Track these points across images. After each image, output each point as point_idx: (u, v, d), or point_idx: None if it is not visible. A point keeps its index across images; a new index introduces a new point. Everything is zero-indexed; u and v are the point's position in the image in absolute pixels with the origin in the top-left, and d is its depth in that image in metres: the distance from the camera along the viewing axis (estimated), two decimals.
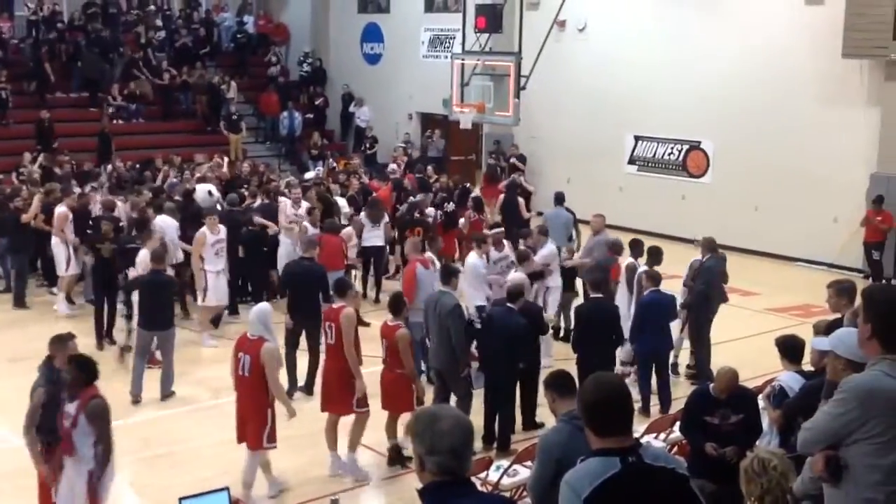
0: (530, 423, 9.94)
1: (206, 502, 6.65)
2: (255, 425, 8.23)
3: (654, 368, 10.62)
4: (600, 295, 10.35)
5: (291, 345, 10.93)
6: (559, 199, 15.63)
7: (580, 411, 3.96)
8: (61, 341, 7.51)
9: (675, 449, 8.39)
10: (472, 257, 12.08)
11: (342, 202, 16.24)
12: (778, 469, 4.79)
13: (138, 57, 25.76)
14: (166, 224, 13.57)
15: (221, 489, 6.87)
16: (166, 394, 10.83)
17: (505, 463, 8.06)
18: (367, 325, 11.38)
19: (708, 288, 11.37)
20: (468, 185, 18.69)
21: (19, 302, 14.67)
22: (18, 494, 7.59)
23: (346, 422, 9.03)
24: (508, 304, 9.63)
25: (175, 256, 13.41)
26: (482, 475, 7.71)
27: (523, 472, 7.81)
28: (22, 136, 22.33)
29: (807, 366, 7.43)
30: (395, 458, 9.11)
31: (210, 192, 15.63)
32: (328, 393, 8.97)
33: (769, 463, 4.79)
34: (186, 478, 8.20)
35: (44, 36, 25.62)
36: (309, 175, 20.03)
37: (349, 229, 14.34)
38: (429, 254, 11.92)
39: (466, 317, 9.95)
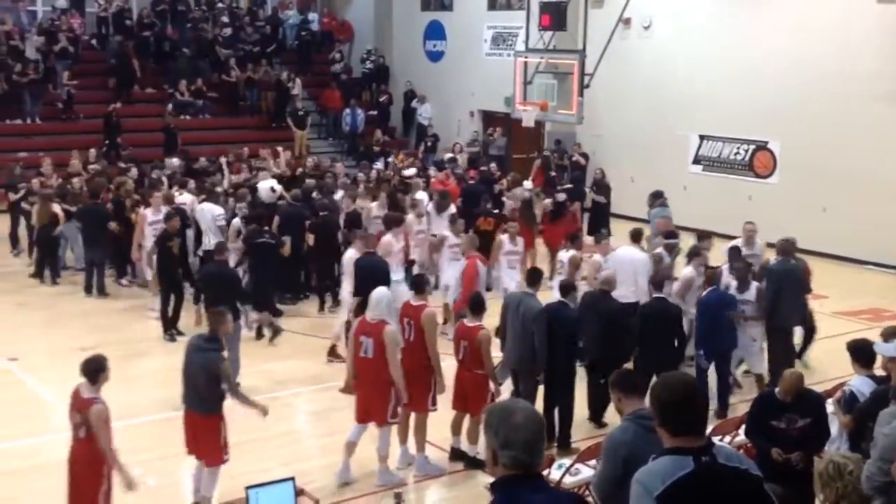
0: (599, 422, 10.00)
1: (272, 491, 6.73)
2: (380, 404, 8.50)
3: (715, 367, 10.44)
4: (662, 294, 10.23)
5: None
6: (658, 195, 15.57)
7: (653, 410, 3.93)
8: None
9: (741, 452, 8.26)
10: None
11: (422, 195, 16.21)
12: (854, 474, 4.70)
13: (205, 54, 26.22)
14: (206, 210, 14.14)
15: (287, 479, 6.95)
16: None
17: (567, 461, 8.00)
18: None
19: (778, 293, 11.02)
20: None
21: (89, 290, 14.98)
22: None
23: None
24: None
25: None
26: (544, 473, 7.67)
27: (586, 472, 7.75)
28: (88, 131, 22.81)
29: (879, 370, 7.27)
30: (457, 457, 9.14)
31: (272, 189, 15.77)
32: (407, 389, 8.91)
33: (845, 468, 4.70)
34: (251, 467, 8.27)
35: (111, 33, 26.19)
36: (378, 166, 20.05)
37: (410, 216, 14.24)
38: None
39: None
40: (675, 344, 9.91)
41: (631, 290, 11.20)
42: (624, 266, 11.45)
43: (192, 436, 7.97)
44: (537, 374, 9.32)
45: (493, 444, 3.53)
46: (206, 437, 7.88)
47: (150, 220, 13.99)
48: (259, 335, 12.74)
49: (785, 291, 10.94)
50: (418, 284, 9.34)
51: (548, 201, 16.53)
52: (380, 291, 8.77)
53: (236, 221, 13.93)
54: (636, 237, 12.31)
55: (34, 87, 23.27)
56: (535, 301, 9.38)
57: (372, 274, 10.91)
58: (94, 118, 23.39)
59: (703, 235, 12.30)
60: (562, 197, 16.69)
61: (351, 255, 11.87)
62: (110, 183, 16.31)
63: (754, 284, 10.72)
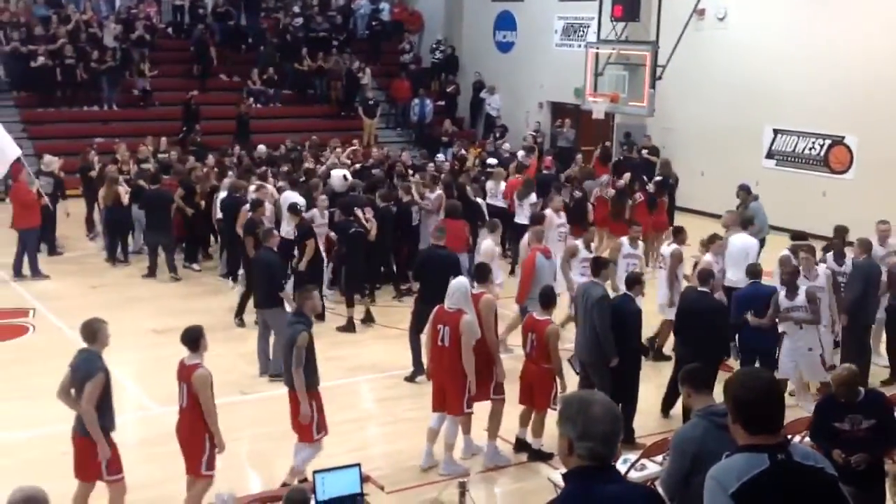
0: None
1: (339, 476, 6.81)
2: (455, 392, 8.56)
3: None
4: (706, 289, 9.99)
5: (416, 330, 10.91)
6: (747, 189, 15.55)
7: (729, 407, 3.86)
8: (308, 291, 8.41)
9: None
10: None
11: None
12: None
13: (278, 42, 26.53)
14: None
15: (353, 465, 7.02)
16: (271, 373, 10.69)
17: (632, 456, 7.93)
18: None
19: (865, 292, 10.81)
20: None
21: (152, 273, 15.27)
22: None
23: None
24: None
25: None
26: None
27: (652, 468, 7.66)
28: (164, 118, 23.24)
29: None
30: (522, 448, 9.14)
31: (345, 177, 15.88)
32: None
33: None
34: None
35: (188, 21, 26.65)
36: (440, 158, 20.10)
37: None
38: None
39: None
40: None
41: (740, 275, 11.03)
42: (736, 251, 11.76)
43: (292, 412, 8.16)
44: (606, 364, 9.19)
45: (569, 434, 3.51)
46: (298, 412, 8.06)
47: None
48: (350, 327, 12.73)
49: (870, 290, 10.85)
50: (481, 272, 9.34)
51: (610, 191, 16.47)
52: (458, 281, 8.88)
53: (314, 211, 13.88)
54: (746, 224, 12.65)
55: (111, 74, 23.77)
56: (597, 289, 9.31)
57: (436, 265, 10.98)
58: (170, 105, 23.85)
59: (799, 236, 12.39)
60: (652, 188, 16.78)
61: (488, 245, 12.12)
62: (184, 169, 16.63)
63: (803, 289, 10.23)
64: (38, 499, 5.13)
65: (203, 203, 15.64)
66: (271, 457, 8.80)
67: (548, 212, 13.96)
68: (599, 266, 9.68)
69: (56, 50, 23.35)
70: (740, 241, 12.06)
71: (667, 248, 12.18)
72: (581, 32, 24.38)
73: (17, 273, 14.97)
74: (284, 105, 25.91)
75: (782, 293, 10.16)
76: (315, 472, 6.85)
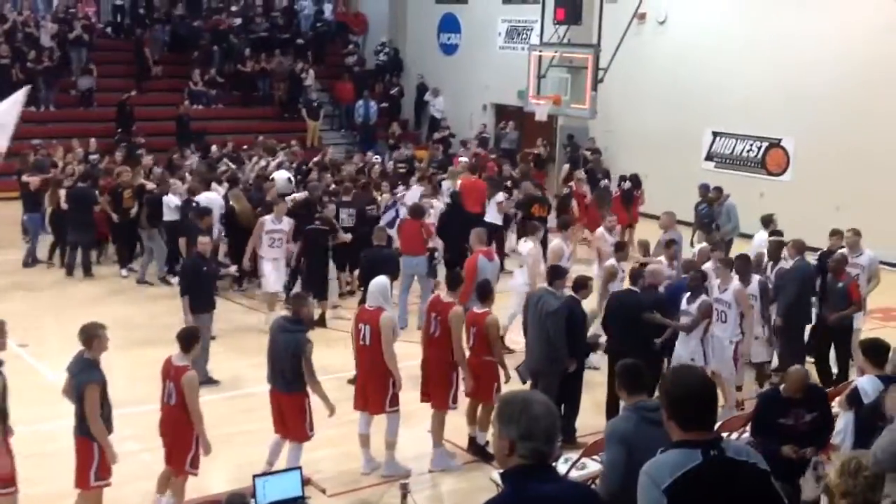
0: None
1: (280, 480, 6.76)
2: (376, 393, 8.62)
3: None
4: (636, 288, 10.10)
5: None
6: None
7: (662, 403, 3.91)
8: (304, 298, 8.71)
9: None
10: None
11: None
12: (868, 480, 4.63)
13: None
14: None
15: (294, 468, 6.98)
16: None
17: (573, 456, 7.99)
18: None
19: (800, 293, 10.98)
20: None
21: (70, 271, 15.35)
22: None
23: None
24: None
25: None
26: None
27: (592, 466, 7.73)
28: (102, 119, 22.88)
29: None
30: (474, 447, 9.19)
31: (290, 179, 15.80)
32: (427, 384, 9.03)
33: (863, 470, 4.64)
34: (258, 457, 8.27)
35: (127, 21, 26.28)
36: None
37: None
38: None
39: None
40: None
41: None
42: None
43: (278, 414, 8.22)
44: (563, 371, 9.22)
45: (511, 434, 3.48)
46: (291, 415, 8.10)
47: (269, 228, 13.06)
48: (321, 322, 12.66)
49: (805, 291, 11.05)
50: (454, 281, 9.34)
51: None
52: (378, 280, 8.90)
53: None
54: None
55: (48, 74, 23.32)
56: (553, 298, 9.28)
57: (376, 265, 11.02)
58: (109, 107, 23.47)
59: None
60: (627, 185, 17.62)
61: (529, 247, 12.29)
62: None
63: (702, 298, 10.00)
64: None
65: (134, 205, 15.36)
66: (209, 460, 8.70)
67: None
68: (557, 275, 9.66)
69: None
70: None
71: (607, 262, 12.05)
72: (524, 35, 24.54)
73: None
74: (227, 107, 25.66)
75: (686, 296, 10.09)
76: (255, 476, 6.79)
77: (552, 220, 16.00)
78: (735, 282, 10.22)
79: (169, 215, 14.72)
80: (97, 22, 26.24)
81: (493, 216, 15.74)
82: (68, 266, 15.39)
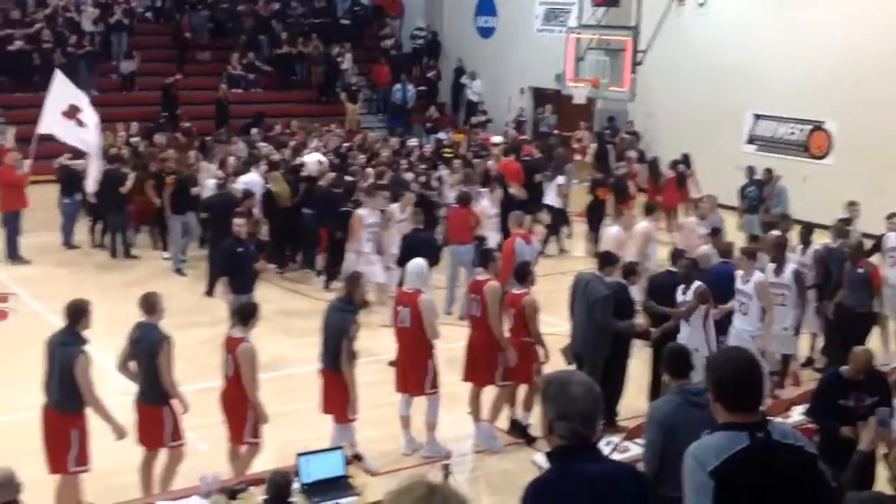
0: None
1: (323, 459, 6.83)
2: (416, 374, 8.67)
3: None
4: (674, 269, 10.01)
5: None
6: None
7: (709, 385, 3.90)
8: (357, 279, 8.58)
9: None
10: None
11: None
12: None
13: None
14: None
15: (337, 448, 7.04)
16: None
17: (615, 439, 7.99)
18: None
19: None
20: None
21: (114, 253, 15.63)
22: None
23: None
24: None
25: None
26: None
27: (634, 449, 7.70)
28: (145, 103, 23.08)
29: None
30: (516, 428, 9.24)
31: (319, 161, 15.86)
32: (472, 364, 9.07)
33: None
34: (299, 436, 8.37)
35: (167, 5, 26.47)
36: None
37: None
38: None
39: None
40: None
41: None
42: None
43: (326, 393, 8.35)
44: (603, 356, 9.19)
45: (550, 414, 3.56)
46: (336, 394, 8.22)
47: (368, 221, 12.67)
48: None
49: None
50: (485, 259, 9.35)
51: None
52: (415, 262, 8.95)
53: None
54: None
55: (90, 59, 23.57)
56: (601, 285, 9.19)
57: (414, 248, 11.09)
58: (149, 90, 23.68)
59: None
60: (681, 167, 17.58)
61: (615, 231, 12.19)
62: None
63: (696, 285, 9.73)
64: (8, 482, 5.16)
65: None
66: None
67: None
68: (608, 261, 9.56)
69: (33, 34, 23.13)
70: None
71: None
72: (562, 17, 24.36)
73: (13, 256, 15.02)
74: (265, 91, 25.80)
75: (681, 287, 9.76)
76: (299, 454, 6.87)
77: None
78: (757, 274, 9.83)
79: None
80: (137, 6, 26.43)
81: (552, 199, 15.83)
82: (111, 248, 15.59)
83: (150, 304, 7.65)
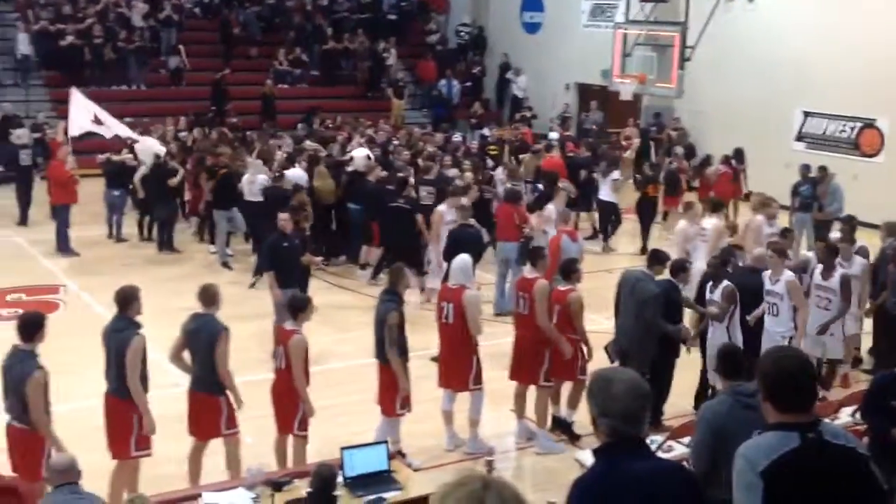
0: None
1: (366, 453, 6.85)
2: (459, 370, 8.66)
3: None
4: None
5: None
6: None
7: (760, 384, 3.85)
8: (401, 269, 8.68)
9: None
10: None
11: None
12: None
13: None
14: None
15: (381, 442, 7.06)
16: None
17: (659, 438, 7.92)
18: None
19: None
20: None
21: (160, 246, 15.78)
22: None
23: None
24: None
25: None
26: None
27: (679, 449, 7.64)
28: (193, 98, 23.32)
29: None
30: (559, 425, 9.20)
31: (368, 156, 15.91)
32: (518, 362, 9.03)
33: None
34: (343, 430, 8.41)
35: (215, 1, 26.73)
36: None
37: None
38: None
39: None
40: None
41: None
42: None
43: (378, 385, 8.43)
44: (649, 355, 9.11)
45: (593, 411, 3.57)
46: (383, 386, 8.32)
47: (447, 219, 12.56)
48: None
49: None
50: (534, 256, 9.30)
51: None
52: (460, 258, 8.94)
53: None
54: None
55: (139, 54, 23.87)
56: (650, 284, 9.11)
57: (460, 243, 11.11)
58: (198, 85, 23.93)
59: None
60: (735, 162, 17.61)
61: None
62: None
63: (839, 272, 9.83)
64: (69, 467, 5.27)
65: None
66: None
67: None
68: (657, 259, 9.43)
69: (84, 29, 23.48)
70: None
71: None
72: (609, 13, 24.20)
73: (63, 248, 15.24)
74: (311, 86, 25.95)
75: (709, 284, 9.58)
76: (343, 448, 6.90)
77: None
78: (787, 273, 9.46)
79: (250, 195, 14.93)
80: (186, 2, 26.71)
81: (607, 194, 15.85)
82: (159, 242, 15.79)
83: (209, 295, 7.75)
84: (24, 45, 23.18)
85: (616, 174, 16.20)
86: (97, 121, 15.46)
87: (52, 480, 5.36)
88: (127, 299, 7.43)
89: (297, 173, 14.96)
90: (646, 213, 16.26)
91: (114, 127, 15.89)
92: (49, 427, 6.92)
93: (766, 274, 9.55)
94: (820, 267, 10.14)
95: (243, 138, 18.29)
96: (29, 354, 6.93)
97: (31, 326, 7.00)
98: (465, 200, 12.90)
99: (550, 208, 13.06)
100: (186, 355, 7.80)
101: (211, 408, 7.63)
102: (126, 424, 7.33)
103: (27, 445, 6.88)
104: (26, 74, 23.07)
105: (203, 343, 7.60)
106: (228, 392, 7.64)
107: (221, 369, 7.54)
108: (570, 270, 9.17)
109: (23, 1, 24.46)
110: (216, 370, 7.54)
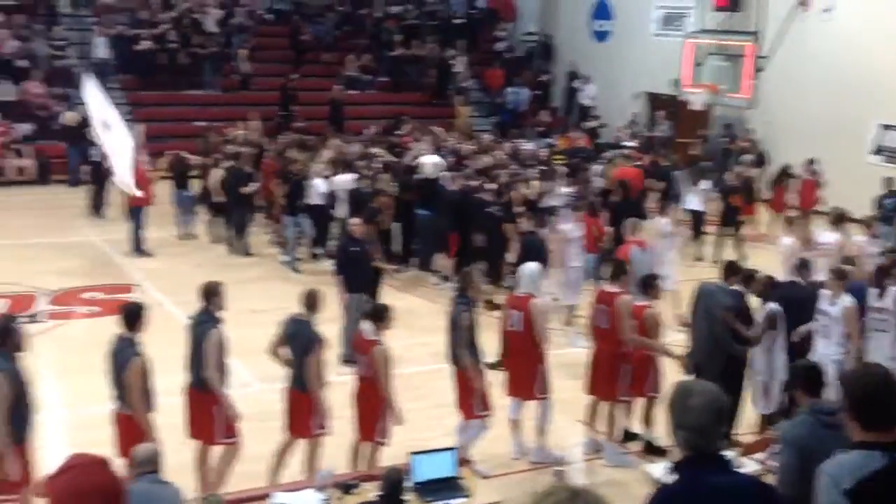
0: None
1: (435, 459, 6.87)
2: (527, 378, 8.67)
3: None
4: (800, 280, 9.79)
5: None
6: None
7: (844, 402, 3.79)
8: (472, 273, 8.93)
9: None
10: None
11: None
12: None
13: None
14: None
15: (450, 448, 7.08)
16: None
17: (731, 454, 7.80)
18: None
19: None
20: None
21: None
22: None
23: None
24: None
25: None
26: None
27: (751, 466, 7.53)
28: (263, 103, 23.64)
29: None
30: (629, 440, 9.16)
31: (436, 164, 15.96)
32: (596, 376, 8.93)
33: None
34: (411, 435, 8.41)
35: (286, 8, 27.13)
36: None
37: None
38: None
39: None
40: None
41: None
42: None
43: (455, 390, 8.48)
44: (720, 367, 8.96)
45: (671, 423, 3.60)
46: (460, 390, 8.38)
47: (574, 236, 12.35)
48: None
49: None
50: (616, 271, 9.19)
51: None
52: (528, 266, 8.95)
53: None
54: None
55: (213, 59, 24.31)
56: (725, 296, 9.01)
57: (527, 251, 11.20)
58: (268, 90, 24.27)
59: None
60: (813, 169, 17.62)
61: (787, 242, 11.86)
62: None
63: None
64: (150, 458, 5.41)
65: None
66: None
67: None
68: (732, 271, 9.28)
69: (159, 35, 23.98)
70: None
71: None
72: (679, 22, 23.96)
73: (137, 249, 15.56)
74: (378, 92, 26.14)
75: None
76: (412, 453, 6.94)
77: None
78: (846, 298, 9.06)
79: (315, 199, 15.08)
80: (258, 8, 27.14)
81: (696, 203, 15.89)
82: (233, 245, 15.98)
83: (311, 300, 7.90)
84: (101, 49, 23.75)
85: (706, 184, 16.16)
86: (104, 125, 14.72)
87: (135, 469, 5.51)
88: (209, 293, 7.71)
89: (345, 178, 15.02)
90: (728, 223, 16.14)
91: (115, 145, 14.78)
92: (144, 413, 7.15)
93: (824, 293, 9.25)
94: (874, 290, 9.66)
95: (304, 143, 18.48)
96: (129, 342, 7.23)
97: (132, 316, 7.30)
98: None
99: (662, 223, 12.98)
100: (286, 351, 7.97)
101: (308, 407, 7.76)
102: (208, 415, 7.57)
103: (133, 432, 7.03)
104: (104, 78, 23.56)
105: (298, 348, 7.77)
106: (317, 396, 7.74)
107: (311, 379, 7.66)
108: (649, 285, 9.05)
109: (100, 6, 25.08)
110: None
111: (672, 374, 8.67)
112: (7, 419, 6.64)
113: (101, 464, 2.87)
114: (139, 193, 14.96)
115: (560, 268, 12.16)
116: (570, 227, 12.48)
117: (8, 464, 6.69)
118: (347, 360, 10.05)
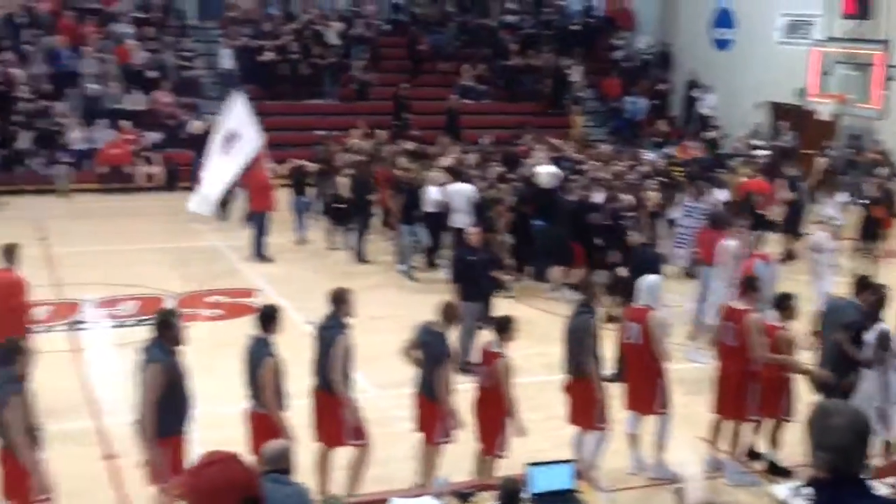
0: None
1: (552, 471, 6.82)
2: (646, 392, 8.57)
3: None
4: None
5: None
6: None
7: None
8: (593, 283, 9.10)
9: None
10: None
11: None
12: None
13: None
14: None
15: (568, 461, 7.02)
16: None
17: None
18: None
19: None
20: None
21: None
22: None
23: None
24: None
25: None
26: None
27: (884, 490, 7.21)
28: (379, 112, 23.98)
29: None
30: (754, 459, 8.92)
31: (551, 174, 15.88)
32: (723, 395, 8.66)
33: None
34: (527, 447, 8.38)
35: (404, 19, 27.49)
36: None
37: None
38: None
39: None
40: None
41: None
42: None
43: (568, 401, 8.45)
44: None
45: (810, 443, 3.45)
46: (577, 400, 8.32)
47: (738, 252, 11.69)
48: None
49: None
50: (747, 286, 8.93)
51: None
52: (648, 278, 8.83)
53: None
54: None
55: (333, 69, 24.81)
56: (851, 311, 8.71)
57: (641, 263, 10.94)
58: (386, 100, 24.61)
59: None
60: None
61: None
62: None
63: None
64: (280, 455, 5.53)
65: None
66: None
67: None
68: (863, 286, 8.90)
69: (281, 46, 24.62)
70: None
71: None
72: (804, 30, 23.26)
73: (258, 254, 15.94)
74: (494, 101, 26.20)
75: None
76: (528, 464, 6.90)
77: None
78: None
79: (430, 207, 15.17)
80: (377, 20, 27.57)
81: (835, 214, 15.41)
82: (353, 251, 16.19)
83: (450, 313, 8.02)
84: (226, 60, 24.55)
85: (842, 196, 15.74)
86: (230, 139, 15.23)
87: (263, 467, 5.59)
88: (337, 300, 7.91)
89: (462, 188, 15.04)
90: (868, 235, 15.66)
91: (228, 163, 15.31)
92: (278, 412, 7.37)
93: None
94: None
95: (417, 152, 18.66)
96: (264, 342, 7.50)
97: (268, 318, 7.61)
98: None
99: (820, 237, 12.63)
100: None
101: (437, 414, 7.85)
102: (335, 417, 7.74)
103: (266, 430, 7.20)
104: (228, 88, 24.34)
105: (430, 357, 7.89)
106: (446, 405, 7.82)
107: (439, 392, 7.77)
108: (783, 306, 8.69)
109: (226, 18, 25.90)
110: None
111: (806, 397, 8.40)
112: (156, 409, 6.89)
113: (235, 460, 2.96)
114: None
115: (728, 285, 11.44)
116: (735, 244, 11.69)
117: (154, 454, 6.96)
118: (463, 368, 10.06)
